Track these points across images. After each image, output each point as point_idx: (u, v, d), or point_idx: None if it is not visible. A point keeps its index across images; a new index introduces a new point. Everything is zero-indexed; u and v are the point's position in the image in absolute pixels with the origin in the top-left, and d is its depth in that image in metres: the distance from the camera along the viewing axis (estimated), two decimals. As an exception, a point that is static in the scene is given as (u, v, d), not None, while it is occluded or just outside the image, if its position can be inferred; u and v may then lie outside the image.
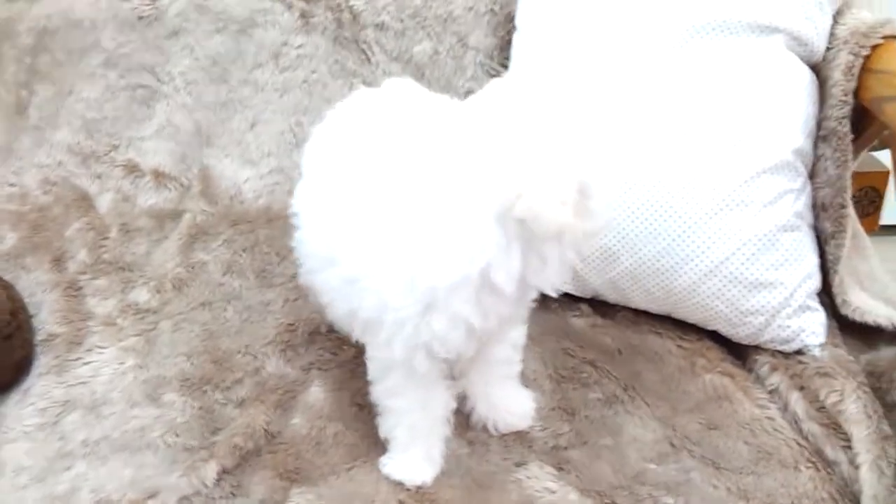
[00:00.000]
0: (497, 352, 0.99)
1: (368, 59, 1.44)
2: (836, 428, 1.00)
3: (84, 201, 1.42)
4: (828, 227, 1.16)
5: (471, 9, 1.41)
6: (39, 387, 1.08)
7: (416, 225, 0.80)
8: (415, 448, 0.95)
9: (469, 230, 0.77)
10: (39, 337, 1.15)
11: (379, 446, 0.97)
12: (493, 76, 1.39)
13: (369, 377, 0.94)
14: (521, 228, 0.75)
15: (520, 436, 1.01)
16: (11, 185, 1.45)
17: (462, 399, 1.01)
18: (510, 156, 0.74)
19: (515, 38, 1.32)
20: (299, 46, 1.45)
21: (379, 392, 0.94)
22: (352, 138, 0.92)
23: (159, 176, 1.45)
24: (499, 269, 0.78)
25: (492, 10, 1.41)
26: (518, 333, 1.00)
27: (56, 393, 1.07)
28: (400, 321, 0.82)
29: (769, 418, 1.04)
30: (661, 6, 1.15)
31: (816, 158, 1.17)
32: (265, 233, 1.35)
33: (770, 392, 1.08)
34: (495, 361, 1.00)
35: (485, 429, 1.02)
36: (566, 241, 0.78)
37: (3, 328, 1.07)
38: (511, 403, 1.03)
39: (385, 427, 0.96)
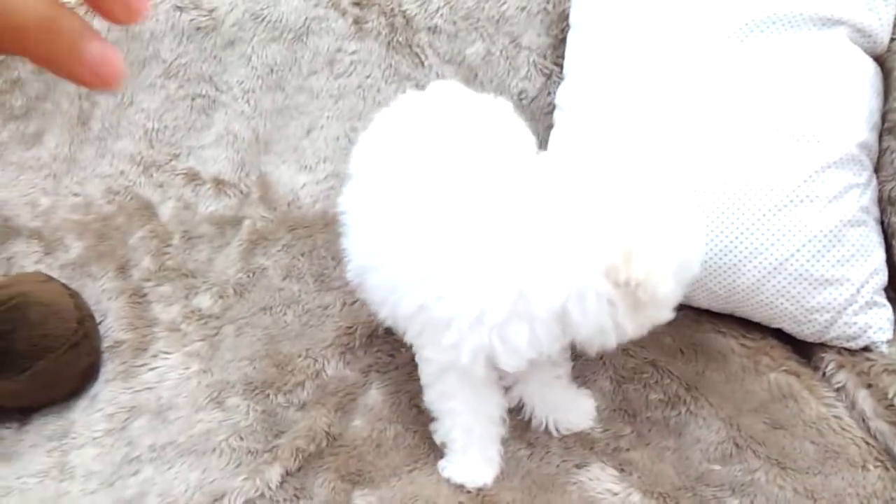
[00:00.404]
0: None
1: (422, 63, 1.45)
2: (906, 426, 0.98)
3: (147, 210, 1.46)
4: (895, 221, 1.13)
5: (523, 9, 1.40)
6: (107, 393, 1.11)
7: (523, 241, 0.79)
8: (473, 450, 0.95)
9: (572, 274, 0.77)
10: (106, 343, 1.18)
11: (438, 448, 0.98)
12: (546, 75, 1.40)
13: (422, 381, 0.95)
14: (621, 290, 0.76)
15: (580, 437, 1.01)
16: (76, 195, 1.49)
17: (521, 406, 1.02)
18: (625, 212, 0.76)
19: (570, 36, 1.31)
20: (353, 52, 1.46)
21: (432, 396, 0.95)
22: (411, 139, 0.93)
23: (219, 183, 1.48)
24: (586, 319, 0.79)
25: (545, 8, 1.40)
26: None
27: (123, 398, 1.09)
28: (480, 322, 0.81)
29: (836, 417, 1.02)
30: (722, 3, 1.13)
31: (882, 152, 1.14)
32: (322, 237, 1.36)
33: (837, 390, 1.06)
34: (545, 364, 0.98)
35: (545, 430, 1.01)
36: (660, 308, 0.79)
37: (71, 336, 1.10)
38: (570, 404, 1.03)
39: (441, 431, 0.96)
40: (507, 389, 0.99)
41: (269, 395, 1.08)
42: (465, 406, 0.93)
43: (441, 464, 0.97)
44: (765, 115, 1.08)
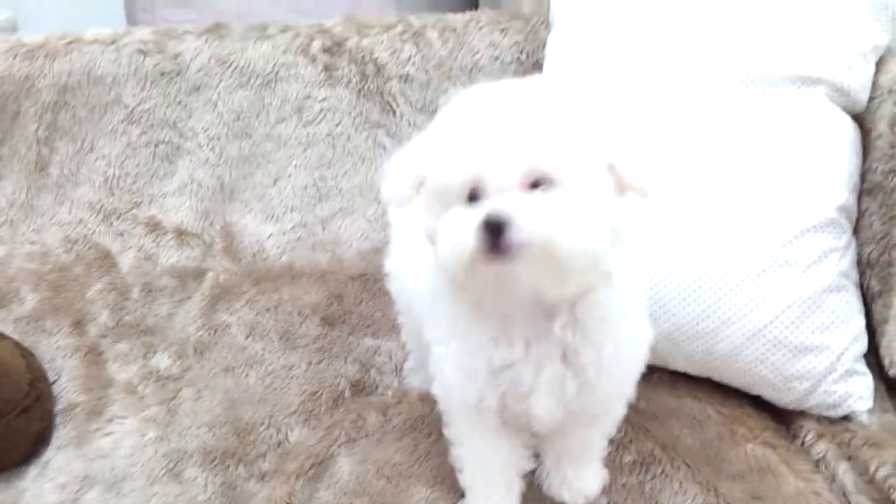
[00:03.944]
0: (580, 432, 0.93)
1: (393, 111, 1.42)
2: (887, 503, 0.95)
3: (106, 260, 1.40)
4: (874, 285, 1.11)
5: (497, 59, 1.39)
6: (59, 460, 1.05)
7: None
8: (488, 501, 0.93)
9: None
10: (59, 406, 1.13)
11: (408, 525, 0.94)
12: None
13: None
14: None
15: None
16: (32, 242, 1.43)
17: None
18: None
19: (543, 88, 1.29)
20: (323, 100, 1.43)
21: (450, 439, 0.93)
22: None
23: (182, 233, 1.43)
24: None
25: (518, 59, 1.39)
26: (611, 422, 0.94)
27: (76, 467, 1.04)
28: None
29: (815, 493, 0.98)
30: (699, 60, 1.11)
31: (861, 213, 1.12)
32: (289, 290, 1.32)
33: (816, 462, 1.03)
34: (576, 439, 0.94)
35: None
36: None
37: (22, 399, 1.05)
38: (576, 480, 0.97)
39: (461, 477, 0.94)
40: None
41: (228, 465, 1.03)
42: (473, 455, 0.91)
43: None
44: (744, 176, 1.06)
